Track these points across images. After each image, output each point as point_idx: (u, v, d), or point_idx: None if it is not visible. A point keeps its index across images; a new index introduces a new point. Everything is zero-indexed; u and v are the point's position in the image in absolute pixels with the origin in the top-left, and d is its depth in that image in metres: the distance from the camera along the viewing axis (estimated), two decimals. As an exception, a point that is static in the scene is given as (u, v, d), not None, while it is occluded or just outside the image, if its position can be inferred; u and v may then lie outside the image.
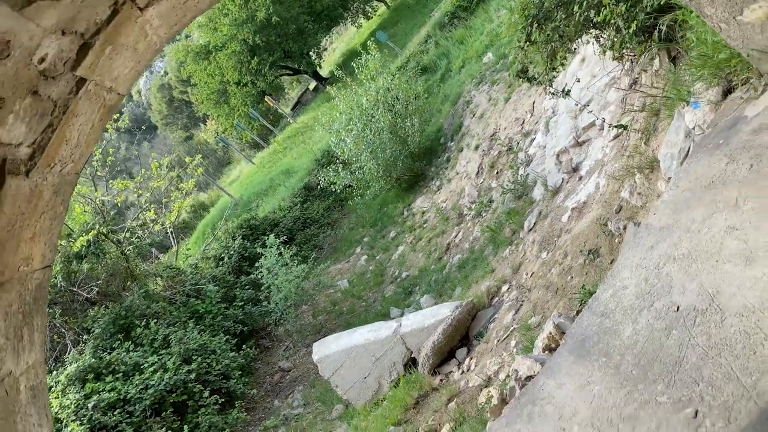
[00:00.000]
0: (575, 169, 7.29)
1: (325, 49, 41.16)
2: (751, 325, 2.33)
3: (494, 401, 4.20)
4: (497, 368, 5.38)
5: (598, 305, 3.31)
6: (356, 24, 38.17)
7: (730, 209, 2.83)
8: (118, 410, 8.45)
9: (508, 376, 4.76)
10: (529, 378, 3.71)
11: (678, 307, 2.73)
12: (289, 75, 40.42)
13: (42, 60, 1.91)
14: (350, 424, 7.20)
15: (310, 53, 31.65)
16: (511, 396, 3.98)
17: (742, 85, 3.47)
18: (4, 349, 2.44)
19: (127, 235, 12.99)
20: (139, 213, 14.01)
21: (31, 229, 2.43)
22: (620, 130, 5.76)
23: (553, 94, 5.28)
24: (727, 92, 3.58)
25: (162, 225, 14.48)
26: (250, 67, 32.07)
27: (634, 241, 3.40)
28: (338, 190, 15.17)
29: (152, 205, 14.70)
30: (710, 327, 2.50)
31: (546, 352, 4.11)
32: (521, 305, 6.19)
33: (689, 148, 3.70)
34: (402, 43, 27.19)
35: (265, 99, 34.44)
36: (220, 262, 14.44)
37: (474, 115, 13.93)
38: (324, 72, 37.92)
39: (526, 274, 6.72)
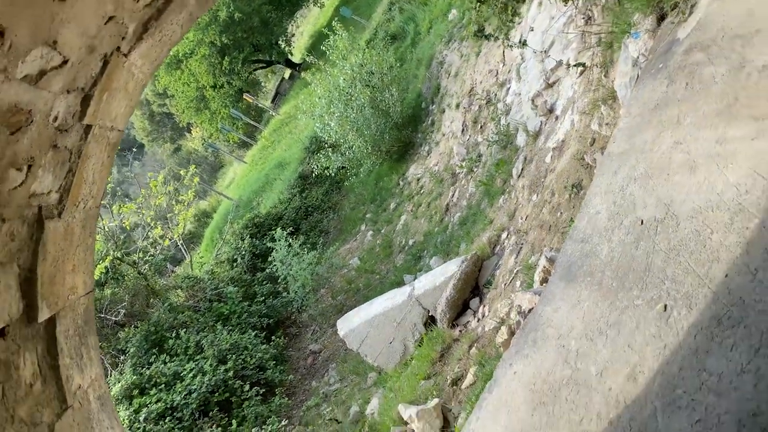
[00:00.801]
0: (551, 111, 7.59)
1: (293, 35, 40.99)
2: (700, 224, 2.68)
3: (504, 336, 4.60)
4: (508, 309, 5.77)
5: (577, 233, 3.67)
6: (318, 4, 37.95)
7: (673, 126, 3.16)
8: (167, 418, 8.95)
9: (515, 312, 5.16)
10: (530, 310, 4.08)
11: (642, 221, 3.09)
12: (262, 68, 40.35)
13: (56, 118, 2.25)
14: (385, 387, 7.65)
15: (279, 42, 31.69)
16: (518, 328, 4.37)
17: (672, 10, 3.75)
18: (71, 367, 2.82)
19: (141, 255, 13.39)
20: (147, 232, 14.37)
21: (71, 262, 2.80)
22: (584, 67, 6.05)
23: (511, 46, 5.56)
24: (661, 19, 3.87)
25: (171, 239, 14.87)
26: (223, 68, 32.07)
27: (601, 169, 3.74)
28: (333, 174, 15.49)
29: (158, 222, 15.05)
30: (669, 232, 2.86)
31: (543, 284, 4.48)
32: (521, 248, 6.56)
33: (638, 76, 4.00)
34: (367, 14, 27.19)
35: (244, 97, 34.50)
36: (234, 264, 14.87)
37: (449, 75, 14.15)
38: (296, 58, 37.86)
39: (521, 219, 7.08)
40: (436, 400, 5.48)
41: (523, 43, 5.43)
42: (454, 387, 5.86)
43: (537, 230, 6.23)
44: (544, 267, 4.59)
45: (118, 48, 2.46)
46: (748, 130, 2.65)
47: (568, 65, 6.82)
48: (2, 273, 2.20)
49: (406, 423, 5.86)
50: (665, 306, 2.66)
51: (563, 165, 6.13)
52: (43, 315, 2.53)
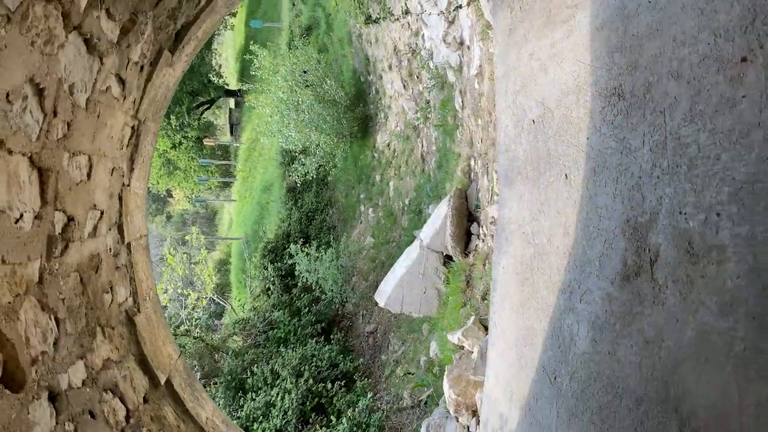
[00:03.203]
0: (461, 43, 8.42)
1: (220, 66, 41.41)
2: (563, 109, 3.60)
3: (492, 243, 5.57)
4: (491, 222, 6.74)
5: (500, 146, 4.60)
6: (229, 26, 38.27)
7: (524, 43, 4.04)
8: (279, 437, 10.11)
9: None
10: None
11: (533, 120, 4.00)
12: (207, 108, 40.90)
13: (110, 249, 3.20)
14: (437, 330, 8.70)
15: (211, 79, 32.17)
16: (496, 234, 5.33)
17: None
18: (195, 407, 3.83)
19: (188, 323, 14.47)
20: (183, 302, 15.42)
21: (160, 339, 3.79)
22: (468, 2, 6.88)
23: (397, 19, 6.39)
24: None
25: (206, 297, 15.93)
26: (173, 127, 32.74)
27: (497, 92, 4.64)
28: (314, 176, 16.39)
29: (188, 289, 16.10)
30: (550, 122, 3.78)
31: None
32: (487, 167, 7.49)
33: (493, 6, 4.85)
34: (275, 17, 27.65)
35: (204, 143, 35.20)
36: (269, 292, 15.92)
37: (371, 43, 14.87)
38: (233, 85, 38.35)
39: (478, 143, 7.99)
40: (473, 317, 6.49)
41: (406, 12, 6.24)
42: (485, 301, 6.87)
43: (491, 148, 7.14)
44: (497, 180, 5.52)
45: (123, 184, 3.40)
46: (563, 31, 3.53)
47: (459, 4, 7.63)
48: (128, 363, 3.19)
49: (461, 347, 6.89)
50: (566, 175, 3.60)
51: (487, 87, 7.01)
52: (162, 379, 3.52)
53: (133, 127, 3.39)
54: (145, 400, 3.30)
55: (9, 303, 2.07)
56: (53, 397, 2.31)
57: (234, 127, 41.84)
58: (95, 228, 2.91)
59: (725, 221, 2.30)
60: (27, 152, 2.10)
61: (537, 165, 3.97)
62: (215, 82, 36.03)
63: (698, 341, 2.42)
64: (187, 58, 3.92)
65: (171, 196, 49.37)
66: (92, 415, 2.60)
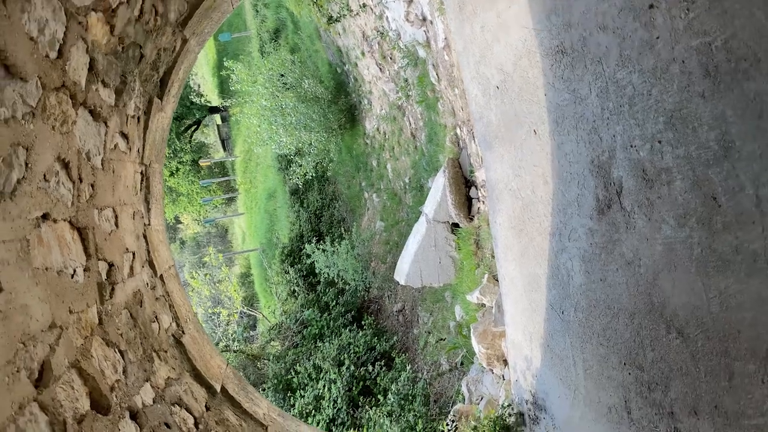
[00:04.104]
0: (424, 19, 8.69)
1: (199, 85, 41.62)
2: (520, 71, 3.92)
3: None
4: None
5: (475, 114, 4.93)
6: (198, 46, 38.27)
7: (475, 17, 4.35)
8: (334, 429, 10.60)
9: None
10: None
11: (497, 87, 4.34)
12: (195, 130, 41.22)
13: (148, 284, 3.60)
14: (458, 295, 9.10)
15: (192, 100, 32.42)
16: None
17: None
18: (252, 407, 4.25)
19: (225, 339, 14.99)
20: (216, 320, 15.92)
21: (207, 353, 4.20)
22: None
23: (357, 14, 6.68)
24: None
25: (236, 311, 16.43)
26: (167, 155, 33.15)
27: (461, 65, 4.95)
28: (313, 174, 16.73)
29: (217, 308, 16.61)
30: (511, 86, 4.10)
31: (488, 155, 5.76)
32: (472, 132, 7.81)
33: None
34: (241, 26, 27.78)
35: (200, 164, 35.60)
36: (295, 294, 16.39)
37: (340, 34, 15.10)
38: (215, 101, 38.58)
39: (460, 112, 8.30)
40: (486, 275, 6.87)
41: (363, 5, 6.54)
42: (494, 258, 7.25)
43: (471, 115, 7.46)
44: (478, 145, 5.84)
45: (145, 224, 3.79)
46: (505, 2, 3.84)
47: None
48: (185, 379, 3.60)
49: (482, 305, 7.28)
50: (534, 130, 3.94)
51: (455, 57, 7.30)
52: (217, 387, 3.94)
53: (141, 173, 3.76)
54: (207, 408, 3.72)
55: (82, 344, 2.47)
56: (134, 415, 2.72)
57: (225, 143, 42.19)
58: (131, 268, 3.30)
59: (666, 146, 2.64)
60: (67, 217, 2.48)
61: (509, 126, 4.31)
62: (198, 102, 36.30)
63: (666, 253, 2.77)
64: (174, 98, 4.27)
65: (180, 222, 49.99)
66: (168, 425, 3.02)
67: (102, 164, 2.92)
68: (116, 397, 2.61)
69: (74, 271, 2.49)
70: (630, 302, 3.16)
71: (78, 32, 2.43)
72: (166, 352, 3.53)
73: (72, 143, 2.51)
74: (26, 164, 2.07)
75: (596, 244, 3.41)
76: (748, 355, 2.38)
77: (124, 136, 3.29)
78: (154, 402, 3.02)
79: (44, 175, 2.23)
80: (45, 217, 2.26)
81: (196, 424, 3.38)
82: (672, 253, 2.74)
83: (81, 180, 2.63)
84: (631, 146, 2.90)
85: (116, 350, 2.80)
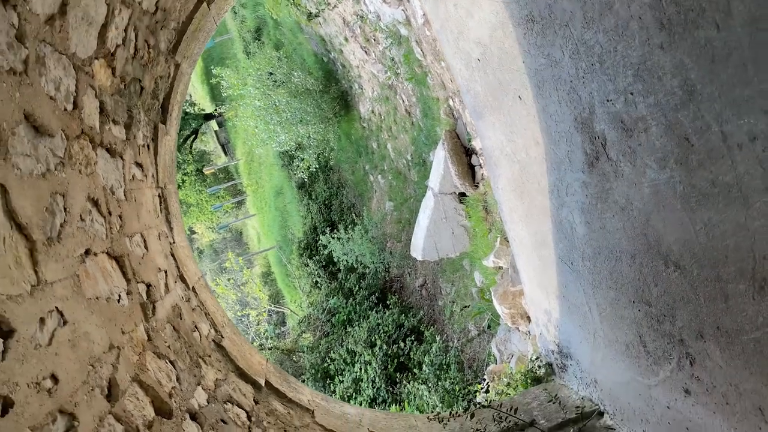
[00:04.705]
0: (400, -1, 8.81)
1: (190, 95, 41.71)
2: (496, 43, 4.10)
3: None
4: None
5: (462, 87, 5.11)
6: (183, 57, 38.36)
7: (447, -4, 4.54)
8: (376, 407, 10.98)
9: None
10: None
11: (478, 59, 4.51)
12: (194, 139, 41.46)
13: (183, 297, 3.87)
14: (476, 261, 9.34)
15: (186, 111, 32.58)
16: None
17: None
18: (296, 395, 4.54)
19: (258, 339, 15.39)
20: (247, 321, 16.31)
21: (247, 352, 4.48)
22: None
23: (335, 6, 6.83)
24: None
25: (264, 310, 16.82)
26: (172, 169, 33.44)
27: (442, 42, 5.13)
28: (316, 165, 16.94)
29: (245, 309, 17.00)
30: (491, 57, 4.28)
31: (481, 123, 5.95)
32: (463, 103, 7.97)
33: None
34: (222, 29, 27.80)
35: (204, 172, 35.95)
36: (318, 284, 16.74)
37: (321, 24, 15.18)
38: (208, 108, 38.72)
39: (449, 83, 8.45)
40: (498, 238, 7.09)
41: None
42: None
43: (461, 85, 7.61)
44: (470, 116, 6.03)
45: (170, 242, 4.05)
46: (471, -21, 4.02)
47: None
48: (231, 378, 3.89)
49: (499, 267, 7.51)
50: (519, 96, 4.12)
51: (435, 32, 7.44)
52: (262, 382, 4.23)
53: (159, 196, 4.02)
54: (256, 402, 4.01)
55: (138, 360, 2.74)
56: (193, 416, 3.01)
57: (225, 147, 42.37)
58: (166, 285, 3.57)
59: (638, 97, 2.84)
60: (104, 249, 2.73)
61: (495, 95, 4.50)
62: (192, 112, 36.47)
63: (654, 195, 2.98)
64: (176, 120, 4.50)
65: (194, 232, 50.56)
66: (224, 422, 3.31)
67: (125, 195, 3.17)
68: (175, 402, 2.89)
69: (119, 296, 2.75)
70: (629, 245, 3.38)
71: (86, 81, 2.66)
72: (210, 356, 3.81)
73: (97, 182, 2.75)
74: (65, 209, 2.32)
75: (591, 195, 3.62)
76: (737, 276, 2.59)
77: (139, 165, 3.53)
78: (208, 402, 3.30)
79: (80, 216, 2.48)
80: (87, 252, 2.51)
81: (248, 417, 3.67)
82: (658, 194, 2.94)
83: (110, 213, 2.88)
84: (608, 101, 3.10)
85: (167, 361, 3.08)
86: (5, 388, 1.67)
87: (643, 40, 2.65)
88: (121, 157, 3.18)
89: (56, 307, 2.10)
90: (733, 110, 2.30)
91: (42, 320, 1.98)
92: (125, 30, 3.05)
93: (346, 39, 14.13)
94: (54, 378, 1.95)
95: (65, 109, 2.42)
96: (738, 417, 2.89)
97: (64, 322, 2.14)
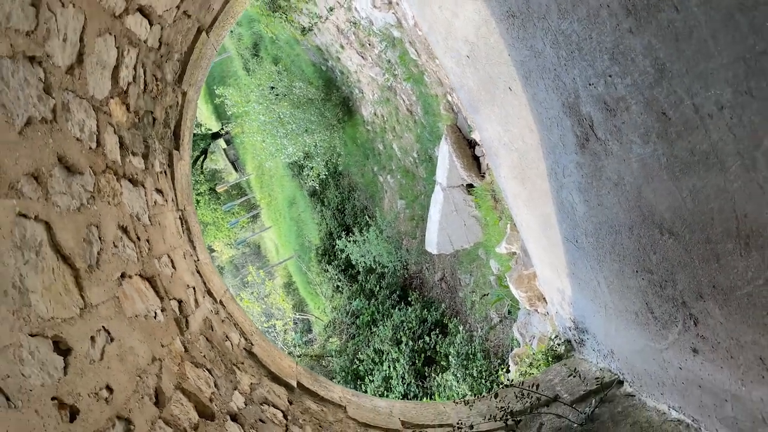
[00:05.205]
0: (390, 2, 9.01)
1: (196, 116, 42.14)
2: (482, 39, 4.29)
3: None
4: (489, 139, 7.43)
5: (456, 84, 5.31)
6: (185, 79, 38.86)
7: (430, 0, 4.74)
8: (407, 398, 11.19)
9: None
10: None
11: (468, 56, 4.70)
12: (204, 159, 42.00)
13: (212, 311, 4.11)
14: (490, 250, 9.51)
15: (193, 132, 33.12)
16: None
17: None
18: (327, 393, 4.76)
19: (286, 347, 15.67)
20: (274, 332, 16.59)
21: (276, 356, 4.72)
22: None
23: (327, 18, 7.06)
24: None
25: (290, 319, 17.10)
26: (186, 191, 33.95)
27: (432, 43, 5.33)
28: (326, 172, 17.20)
29: (271, 320, 17.29)
30: (479, 53, 4.47)
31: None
32: (459, 98, 8.16)
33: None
34: (221, 49, 28.17)
35: (217, 190, 36.43)
36: (339, 289, 17.00)
37: (316, 34, 15.44)
38: (215, 126, 39.19)
39: (446, 80, 8.63)
40: (509, 224, 7.26)
41: (331, 9, 6.90)
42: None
43: (457, 80, 7.80)
44: (466, 111, 6.23)
45: (195, 260, 4.29)
46: (452, -18, 4.22)
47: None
48: (265, 382, 4.12)
49: (512, 253, 7.69)
50: (509, 87, 4.31)
51: (426, 30, 7.63)
52: (293, 384, 4.45)
53: (180, 218, 4.26)
54: (290, 402, 4.24)
55: (178, 370, 2.98)
56: (234, 418, 3.24)
57: (235, 164, 42.87)
58: (196, 300, 3.81)
59: (616, 79, 3.02)
60: (137, 272, 2.97)
61: (487, 89, 4.69)
62: (199, 132, 36.95)
63: (642, 168, 3.16)
64: (188, 144, 4.75)
65: (213, 250, 51.15)
66: (262, 421, 3.54)
67: (149, 220, 3.41)
68: (216, 405, 3.12)
69: (155, 313, 2.99)
70: (626, 217, 3.55)
71: (105, 120, 2.91)
72: (243, 363, 4.05)
73: (124, 211, 3.00)
74: (100, 238, 2.56)
75: (586, 174, 3.80)
76: (724, 236, 2.76)
77: (159, 191, 3.78)
78: (245, 405, 3.53)
79: (113, 243, 2.72)
80: (123, 275, 2.75)
81: (285, 416, 3.90)
82: (646, 167, 3.12)
83: (139, 238, 3.12)
84: (590, 84, 3.28)
85: (204, 369, 3.31)
86: (71, 398, 1.91)
87: (613, 26, 2.84)
88: (143, 186, 3.43)
89: (103, 326, 2.34)
90: (700, 83, 2.48)
91: (92, 338, 2.22)
92: (134, 68, 3.30)
93: (341, 46, 14.36)
94: (109, 388, 2.18)
95: (90, 148, 2.66)
96: (743, 369, 3.05)
97: (111, 339, 2.37)
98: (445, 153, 9.19)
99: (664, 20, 2.49)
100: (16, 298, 1.82)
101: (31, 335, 1.84)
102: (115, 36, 2.94)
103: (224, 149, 43.44)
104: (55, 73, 2.36)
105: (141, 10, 3.19)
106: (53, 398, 1.82)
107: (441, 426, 4.79)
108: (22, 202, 1.96)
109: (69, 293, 2.17)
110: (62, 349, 1.99)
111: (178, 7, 3.69)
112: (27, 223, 1.98)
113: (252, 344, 4.47)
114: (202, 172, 38.07)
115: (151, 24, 3.38)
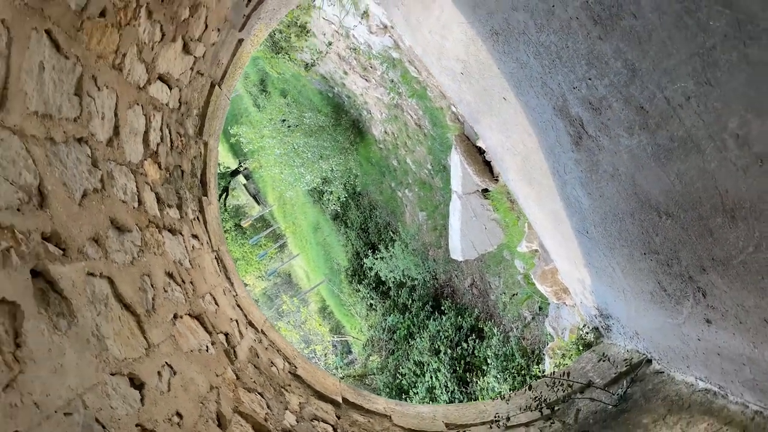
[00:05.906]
0: (385, 27, 9.39)
1: (213, 157, 43.13)
2: (472, 57, 4.59)
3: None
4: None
5: (453, 99, 5.61)
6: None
7: (419, 26, 5.05)
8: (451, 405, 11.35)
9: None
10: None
11: (461, 72, 5.01)
12: (226, 197, 42.87)
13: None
14: (514, 251, 9.72)
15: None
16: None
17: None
18: (370, 404, 5.03)
19: (329, 371, 15.95)
20: (315, 357, 16.88)
21: (320, 376, 5.00)
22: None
23: (327, 53, 7.44)
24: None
25: (329, 342, 17.40)
26: (212, 230, 34.68)
27: (423, 58, 5.65)
28: (345, 195, 17.58)
29: (311, 346, 17.59)
30: (471, 68, 4.78)
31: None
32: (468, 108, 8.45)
33: None
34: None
35: (242, 225, 37.14)
36: (373, 307, 17.27)
37: (319, 64, 15.92)
38: (232, 164, 40.02)
39: (447, 92, 8.94)
40: (526, 223, 7.49)
41: (330, 44, 7.28)
42: (528, 206, 7.85)
43: (458, 92, 8.10)
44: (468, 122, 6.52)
45: (234, 295, 4.63)
46: (437, 8, 4.53)
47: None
48: (312, 400, 4.41)
49: (534, 251, 7.90)
50: (503, 98, 4.60)
51: (420, 56, 7.97)
52: (339, 400, 4.74)
53: (216, 258, 4.61)
54: (338, 417, 4.53)
55: (233, 395, 3.29)
56: (288, 434, 3.53)
57: (257, 197, 43.63)
58: (240, 332, 4.13)
59: (596, 80, 3.29)
60: (186, 312, 3.31)
61: (484, 100, 4.98)
62: (219, 172, 37.74)
63: (631, 158, 3.41)
64: (214, 190, 5.12)
65: (246, 284, 51.87)
66: (314, 435, 3.83)
67: (190, 264, 3.76)
68: (271, 424, 3.42)
69: (207, 346, 3.32)
70: (626, 205, 3.79)
71: (142, 180, 3.27)
72: (289, 385, 4.35)
73: (168, 258, 3.34)
74: (152, 285, 2.90)
75: (585, 169, 4.06)
76: (713, 212, 3.00)
77: (195, 236, 4.13)
78: (297, 422, 3.83)
79: (164, 288, 3.06)
80: (175, 316, 3.09)
81: (335, 430, 4.18)
82: (635, 158, 3.37)
83: (183, 282, 3.46)
84: (574, 88, 3.55)
85: (256, 393, 3.62)
86: (150, 425, 2.23)
87: (584, 34, 3.12)
88: (181, 234, 3.78)
89: (166, 362, 2.67)
90: (667, 78, 2.74)
91: (159, 373, 2.55)
92: (161, 129, 3.67)
93: (345, 72, 14.80)
94: (179, 414, 2.50)
95: (134, 207, 3.02)
96: (752, 332, 3.26)
97: (174, 373, 2.70)
98: (456, 162, 9.46)
99: (627, 26, 2.77)
100: (96, 345, 2.15)
101: (112, 374, 2.17)
102: (142, 105, 3.31)
103: (244, 184, 44.25)
104: (98, 148, 2.72)
105: (161, 78, 3.56)
106: (137, 425, 2.14)
107: (483, 423, 5.02)
108: (89, 263, 2.30)
109: (134, 336, 2.50)
110: (137, 384, 2.32)
111: (191, 69, 4.07)
112: (95, 280, 2.32)
113: (296, 367, 4.77)
114: (225, 210, 38.83)
115: (170, 88, 3.76)
